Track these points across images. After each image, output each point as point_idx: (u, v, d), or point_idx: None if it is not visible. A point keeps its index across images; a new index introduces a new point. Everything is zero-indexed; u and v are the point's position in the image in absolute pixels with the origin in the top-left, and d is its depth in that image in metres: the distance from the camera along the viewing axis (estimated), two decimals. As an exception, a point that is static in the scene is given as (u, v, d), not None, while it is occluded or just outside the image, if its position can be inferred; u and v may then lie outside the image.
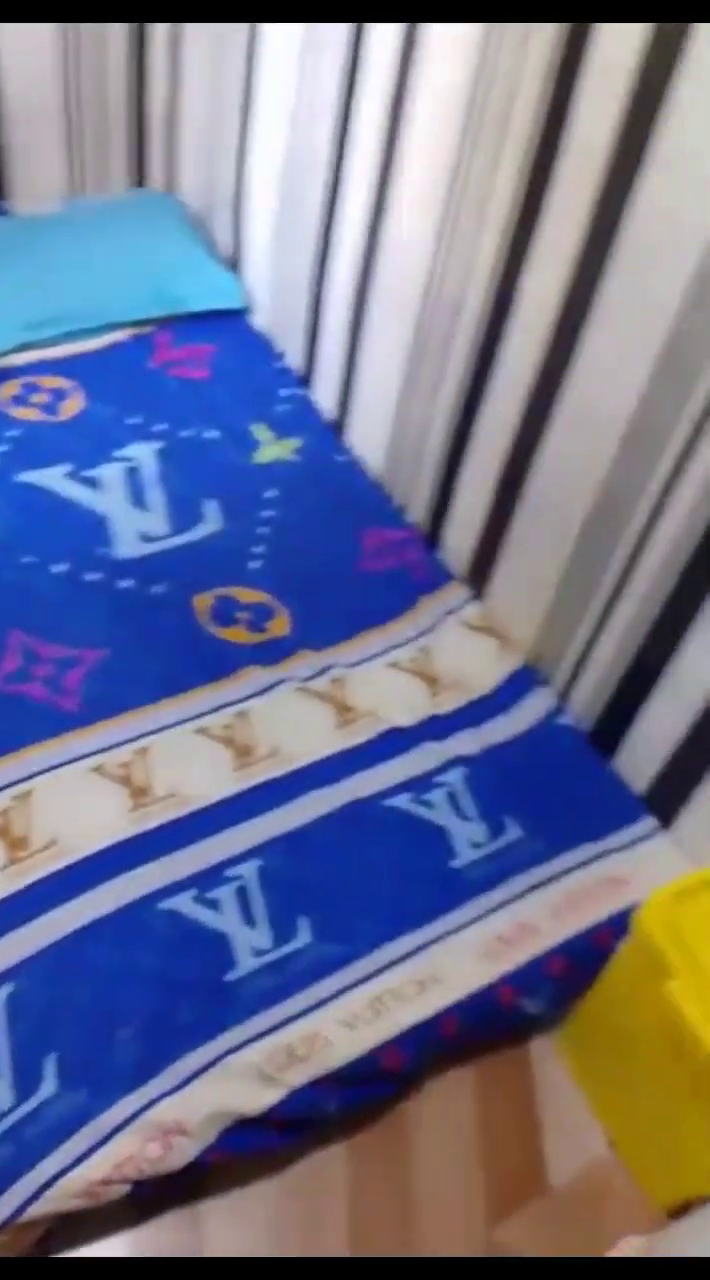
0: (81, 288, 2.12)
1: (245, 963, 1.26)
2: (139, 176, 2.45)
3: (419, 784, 1.45)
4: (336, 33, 1.68)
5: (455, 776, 1.46)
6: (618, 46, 1.20)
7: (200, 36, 2.12)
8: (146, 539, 1.75)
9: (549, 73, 1.31)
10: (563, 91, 1.30)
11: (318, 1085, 1.19)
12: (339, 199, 1.82)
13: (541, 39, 1.30)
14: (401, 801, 1.43)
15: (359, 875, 1.36)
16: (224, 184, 2.22)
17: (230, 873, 1.34)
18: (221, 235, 2.30)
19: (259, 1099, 1.17)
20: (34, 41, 2.15)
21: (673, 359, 1.26)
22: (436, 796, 1.44)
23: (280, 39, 1.86)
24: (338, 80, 1.72)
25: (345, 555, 1.76)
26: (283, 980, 1.25)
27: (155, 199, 2.41)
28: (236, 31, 1.98)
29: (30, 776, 1.39)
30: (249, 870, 1.35)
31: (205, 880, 1.33)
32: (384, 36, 1.57)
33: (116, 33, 2.20)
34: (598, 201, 1.30)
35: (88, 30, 2.17)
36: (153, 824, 1.38)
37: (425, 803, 1.43)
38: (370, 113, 1.67)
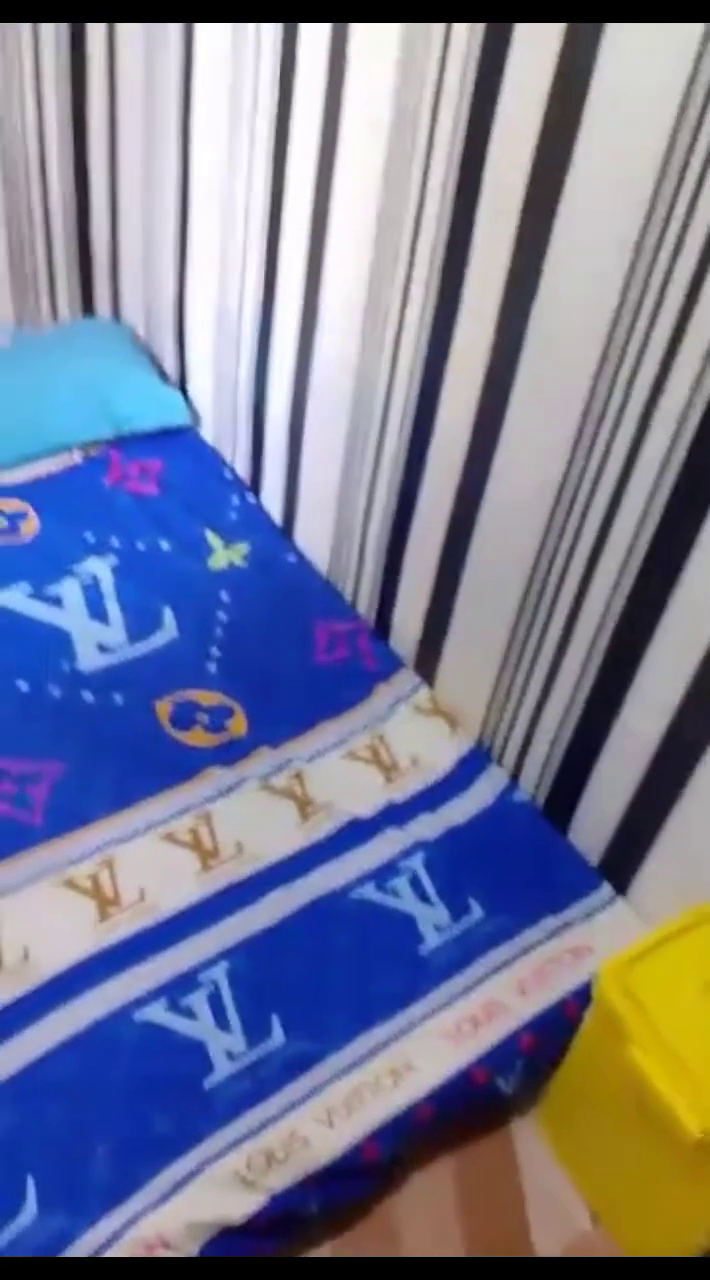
0: (35, 413, 2.21)
1: (221, 1068, 1.28)
2: (87, 304, 2.58)
3: (382, 872, 1.48)
4: (258, 160, 1.80)
5: (416, 861, 1.49)
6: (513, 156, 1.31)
7: (134, 166, 2.26)
8: (105, 650, 1.80)
9: (449, 192, 1.42)
10: (463, 214, 1.41)
11: (299, 1186, 1.19)
12: (272, 315, 1.93)
13: (441, 157, 1.41)
14: (366, 891, 1.46)
15: (329, 969, 1.38)
16: (165, 307, 2.34)
17: (202, 977, 1.36)
18: (167, 355, 2.41)
19: (241, 1206, 1.17)
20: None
21: (588, 432, 1.34)
22: (399, 883, 1.47)
23: (206, 170, 1.98)
24: (262, 204, 1.84)
25: (298, 650, 1.82)
26: (259, 1082, 1.26)
27: (103, 325, 2.52)
28: (167, 164, 2.11)
29: (-1, 896, 1.42)
30: (220, 973, 1.37)
31: (177, 987, 1.35)
32: (302, 160, 1.69)
33: (55, 168, 2.34)
34: (507, 294, 1.38)
35: (32, 165, 2.32)
36: (123, 934, 1.39)
37: (389, 890, 1.46)
38: (293, 235, 1.79)
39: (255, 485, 2.18)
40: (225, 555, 2.01)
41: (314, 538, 2.02)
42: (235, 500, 2.15)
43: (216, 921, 1.42)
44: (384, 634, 1.87)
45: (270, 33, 1.66)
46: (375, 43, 1.45)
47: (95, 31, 2.15)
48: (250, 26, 1.70)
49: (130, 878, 1.45)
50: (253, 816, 1.55)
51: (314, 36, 1.56)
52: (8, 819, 1.50)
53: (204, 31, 1.84)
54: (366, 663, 1.79)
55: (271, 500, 2.13)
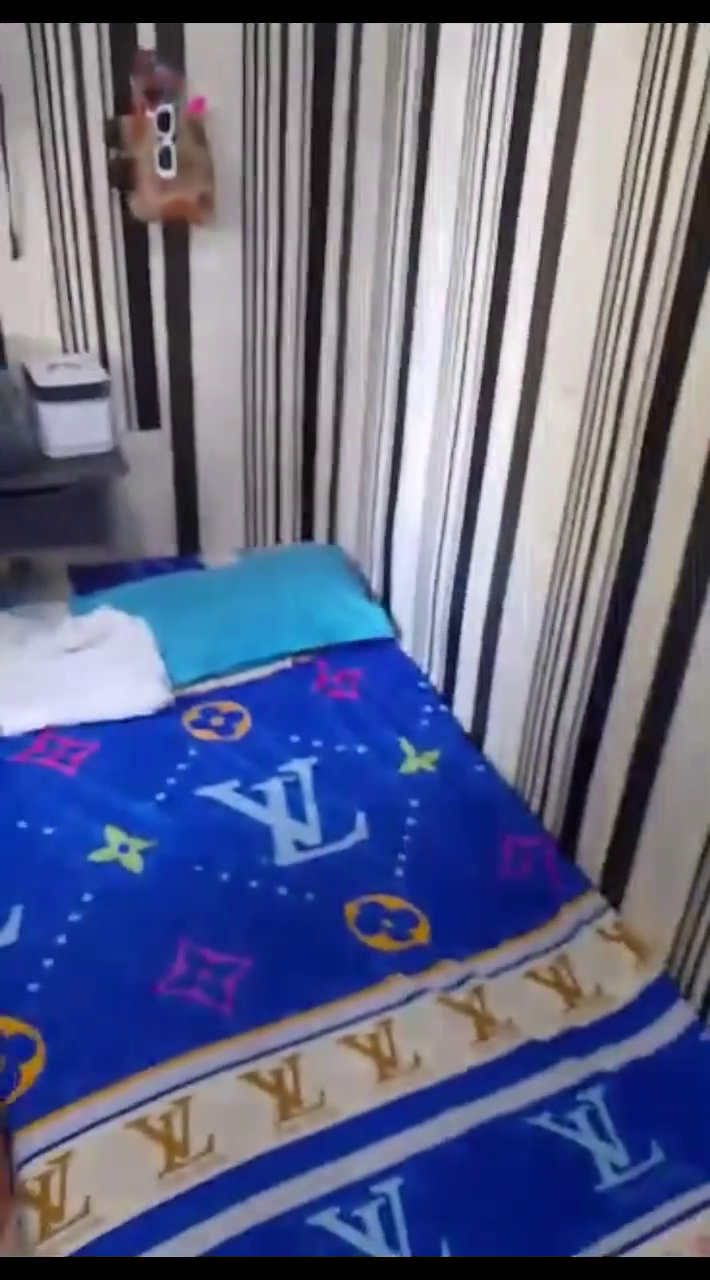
0: (254, 625, 2.46)
1: (387, 1288, 1.27)
2: (306, 530, 2.88)
3: (559, 1102, 1.46)
4: (464, 420, 2.03)
5: (595, 1094, 1.47)
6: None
7: (356, 417, 2.56)
8: (302, 848, 1.92)
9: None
10: (647, 484, 1.54)
11: None
12: (471, 548, 2.11)
13: (629, 423, 1.56)
14: (542, 1120, 1.44)
15: (500, 1197, 1.36)
16: (376, 534, 2.59)
17: (374, 1190, 1.37)
18: (374, 576, 2.64)
19: None
20: (224, 422, 2.65)
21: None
22: (577, 1116, 1.44)
23: (420, 422, 2.24)
24: (465, 455, 2.06)
25: (484, 863, 1.87)
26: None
27: (319, 549, 2.81)
28: (385, 418, 2.40)
29: (189, 1082, 1.49)
30: (392, 1188, 1.37)
31: (350, 1197, 1.36)
32: (503, 419, 1.90)
33: (289, 421, 2.69)
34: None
35: (270, 420, 2.68)
36: (300, 1135, 1.43)
37: (566, 1122, 1.43)
38: (493, 484, 1.98)
39: (448, 697, 2.31)
40: (416, 762, 2.12)
41: (502, 750, 2.10)
42: (428, 709, 2.28)
43: (392, 1134, 1.43)
44: (570, 852, 1.90)
45: (478, 312, 1.91)
46: (572, 322, 1.65)
47: (330, 296, 2.52)
48: (464, 292, 1.95)
49: (312, 1079, 1.50)
50: (432, 1030, 1.57)
51: (521, 314, 1.79)
52: (202, 1008, 1.59)
53: (424, 308, 2.14)
54: (552, 881, 1.82)
55: (462, 711, 2.24)
